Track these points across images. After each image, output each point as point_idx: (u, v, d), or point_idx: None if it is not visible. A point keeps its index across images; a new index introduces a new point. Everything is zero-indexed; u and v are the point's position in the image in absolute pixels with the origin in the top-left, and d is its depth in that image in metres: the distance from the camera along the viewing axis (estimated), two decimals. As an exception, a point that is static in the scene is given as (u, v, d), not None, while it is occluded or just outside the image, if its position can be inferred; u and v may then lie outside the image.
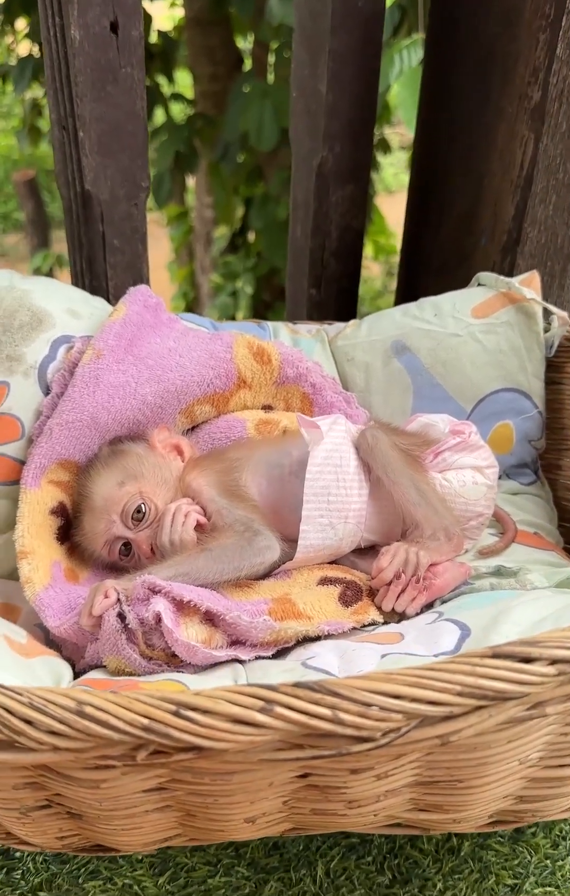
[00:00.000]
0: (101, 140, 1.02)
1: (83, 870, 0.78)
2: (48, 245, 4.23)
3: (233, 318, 3.31)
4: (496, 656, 0.51)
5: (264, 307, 3.06)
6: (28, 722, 0.50)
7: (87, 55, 0.97)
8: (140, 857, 0.78)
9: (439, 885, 0.77)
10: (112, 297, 1.09)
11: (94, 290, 1.09)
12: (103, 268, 1.10)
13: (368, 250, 3.74)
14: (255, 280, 3.08)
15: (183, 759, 0.51)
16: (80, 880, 0.77)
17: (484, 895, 0.76)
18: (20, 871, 0.78)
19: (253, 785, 0.57)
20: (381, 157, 3.19)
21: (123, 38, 0.98)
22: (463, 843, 0.80)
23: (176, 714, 0.49)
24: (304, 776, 0.57)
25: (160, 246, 3.90)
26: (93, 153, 1.02)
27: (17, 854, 0.79)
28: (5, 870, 0.78)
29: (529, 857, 0.79)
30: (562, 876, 0.78)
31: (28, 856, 0.79)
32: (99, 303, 1.01)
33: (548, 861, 0.79)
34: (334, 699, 0.50)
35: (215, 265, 3.33)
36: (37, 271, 3.50)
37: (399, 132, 4.36)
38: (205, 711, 0.49)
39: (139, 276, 1.13)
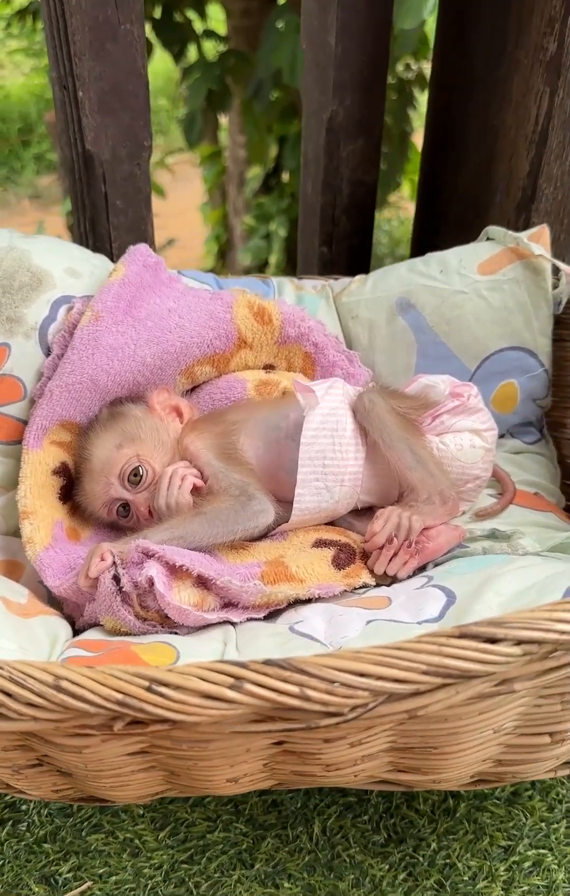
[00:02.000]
0: (101, 99, 1.00)
1: (86, 823, 0.81)
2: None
3: (266, 262, 3.26)
4: (462, 636, 0.52)
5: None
6: (8, 694, 0.52)
7: (84, 13, 0.94)
8: (141, 812, 0.82)
9: (434, 845, 0.79)
10: (115, 259, 1.08)
11: (97, 252, 1.08)
12: (106, 229, 1.08)
13: (404, 190, 3.64)
14: (288, 222, 3.02)
15: (158, 730, 0.53)
16: (83, 833, 0.80)
17: (478, 856, 0.78)
18: (25, 824, 0.81)
19: (230, 751, 0.59)
20: (419, 95, 3.08)
21: (121, -7, 0.95)
22: (459, 804, 0.82)
23: (149, 689, 0.51)
24: (279, 743, 0.59)
25: (192, 187, 3.82)
26: (93, 113, 1.00)
27: (23, 807, 0.82)
28: (11, 822, 0.81)
29: (524, 820, 0.81)
30: (556, 839, 0.79)
31: (33, 809, 0.82)
32: (100, 260, 1.00)
33: (542, 824, 0.81)
34: (301, 676, 0.51)
35: (248, 207, 3.27)
36: (70, 215, 3.45)
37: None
38: (177, 687, 0.51)
39: (143, 237, 1.11)
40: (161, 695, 0.51)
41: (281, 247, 3.10)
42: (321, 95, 1.16)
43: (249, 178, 3.32)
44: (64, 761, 0.61)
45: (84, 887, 0.76)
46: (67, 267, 0.96)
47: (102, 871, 0.77)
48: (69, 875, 0.77)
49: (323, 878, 0.77)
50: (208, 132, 3.24)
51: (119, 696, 0.51)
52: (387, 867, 0.77)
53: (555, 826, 0.80)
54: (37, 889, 0.76)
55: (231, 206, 3.43)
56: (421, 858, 0.78)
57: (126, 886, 0.76)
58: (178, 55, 2.53)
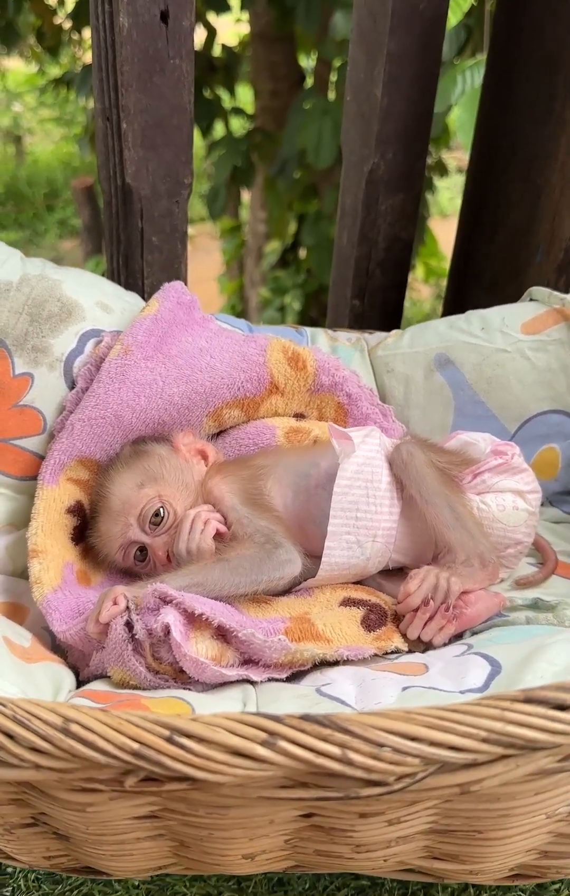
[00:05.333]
0: (144, 132, 0.98)
1: (76, 891, 0.72)
2: (102, 251, 4.25)
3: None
4: (528, 700, 0.46)
5: (311, 323, 3.05)
6: (9, 736, 0.46)
7: (134, 44, 0.94)
8: (136, 884, 0.73)
9: (451, 937, 0.71)
10: (147, 297, 1.05)
11: (128, 289, 1.05)
12: (140, 265, 1.06)
13: (419, 272, 3.68)
14: (303, 296, 3.06)
15: (175, 790, 0.47)
16: (73, 902, 0.72)
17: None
18: (11, 889, 0.73)
19: (252, 821, 0.52)
20: (438, 181, 3.14)
21: (173, 28, 0.94)
22: (482, 893, 0.74)
23: (169, 740, 0.45)
24: (308, 815, 0.53)
25: (211, 258, 3.89)
26: (135, 146, 0.98)
27: (10, 870, 0.74)
28: (-6, 886, 0.73)
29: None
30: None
31: (20, 873, 0.74)
32: (132, 298, 0.97)
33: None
34: (344, 736, 0.45)
35: (265, 279, 3.32)
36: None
37: (456, 156, 4.32)
38: (201, 740, 0.45)
39: (177, 275, 1.09)
40: (183, 747, 0.45)
41: (295, 319, 3.13)
42: (363, 147, 1.15)
43: (267, 252, 3.37)
44: (63, 821, 0.54)
45: None
46: (99, 301, 0.93)
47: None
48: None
49: None
50: (230, 206, 3.30)
51: (135, 746, 0.45)
52: None
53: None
54: None
55: (248, 278, 3.47)
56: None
57: None
58: (205, 130, 2.59)
